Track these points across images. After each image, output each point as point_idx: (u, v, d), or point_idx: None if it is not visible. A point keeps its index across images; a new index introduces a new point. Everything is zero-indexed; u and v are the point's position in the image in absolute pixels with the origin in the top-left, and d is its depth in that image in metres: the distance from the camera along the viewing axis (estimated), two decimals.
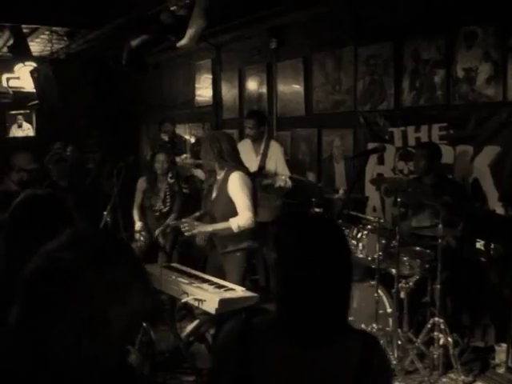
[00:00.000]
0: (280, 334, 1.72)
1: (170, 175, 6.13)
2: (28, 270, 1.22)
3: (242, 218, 4.42)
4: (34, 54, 9.37)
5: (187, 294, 3.96)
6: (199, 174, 7.34)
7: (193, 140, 9.22)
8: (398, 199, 4.60)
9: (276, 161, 6.31)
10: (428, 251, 4.68)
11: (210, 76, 9.01)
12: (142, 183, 6.25)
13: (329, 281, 1.70)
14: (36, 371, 1.15)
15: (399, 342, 4.44)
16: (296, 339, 1.70)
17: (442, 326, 4.35)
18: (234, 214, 4.46)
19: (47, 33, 9.11)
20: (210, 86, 9.02)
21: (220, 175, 4.59)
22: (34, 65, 9.01)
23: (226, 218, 4.47)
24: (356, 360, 1.70)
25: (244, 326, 1.79)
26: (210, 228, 4.57)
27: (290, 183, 6.07)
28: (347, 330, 1.77)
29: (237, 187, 4.46)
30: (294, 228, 1.79)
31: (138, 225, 6.07)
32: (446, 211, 4.38)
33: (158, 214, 6.11)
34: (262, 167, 6.25)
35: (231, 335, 1.80)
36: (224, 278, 4.41)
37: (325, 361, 1.70)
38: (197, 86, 9.36)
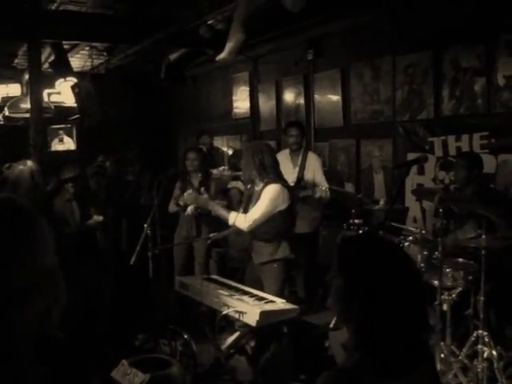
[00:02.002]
0: (367, 371, 1.59)
1: (199, 174, 6.17)
2: None
3: (243, 220, 4.47)
4: (74, 69, 9.56)
5: (228, 306, 3.97)
6: (239, 185, 7.35)
7: (230, 152, 9.26)
8: (440, 210, 4.51)
9: (314, 172, 6.29)
10: (471, 263, 4.59)
11: (247, 88, 9.07)
12: (178, 184, 6.33)
13: (407, 303, 1.62)
14: None
15: (442, 356, 4.35)
16: (385, 373, 1.59)
17: (486, 339, 4.25)
18: (268, 224, 4.47)
19: (87, 48, 9.32)
20: (248, 98, 9.08)
21: (259, 186, 4.59)
22: (75, 80, 9.16)
23: (261, 229, 4.49)
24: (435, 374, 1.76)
25: (346, 375, 1.62)
26: (210, 206, 4.81)
27: (329, 194, 6.03)
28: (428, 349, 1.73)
29: (265, 197, 4.48)
30: (367, 253, 1.68)
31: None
32: (502, 222, 4.29)
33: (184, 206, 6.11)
34: (300, 178, 6.23)
35: None
36: (262, 290, 4.39)
37: None
38: (234, 98, 9.43)
